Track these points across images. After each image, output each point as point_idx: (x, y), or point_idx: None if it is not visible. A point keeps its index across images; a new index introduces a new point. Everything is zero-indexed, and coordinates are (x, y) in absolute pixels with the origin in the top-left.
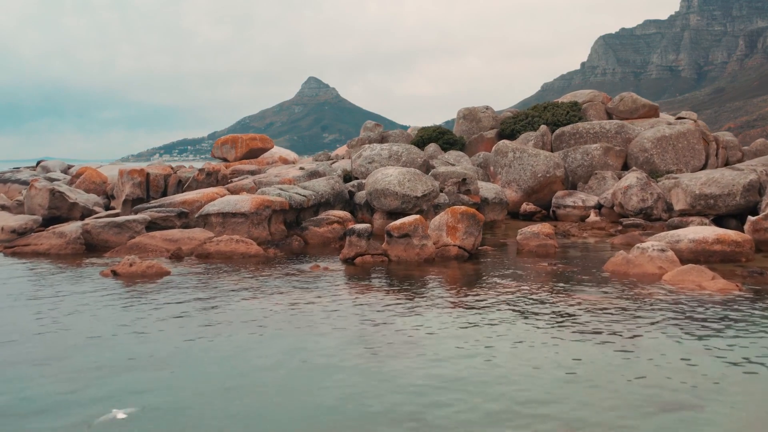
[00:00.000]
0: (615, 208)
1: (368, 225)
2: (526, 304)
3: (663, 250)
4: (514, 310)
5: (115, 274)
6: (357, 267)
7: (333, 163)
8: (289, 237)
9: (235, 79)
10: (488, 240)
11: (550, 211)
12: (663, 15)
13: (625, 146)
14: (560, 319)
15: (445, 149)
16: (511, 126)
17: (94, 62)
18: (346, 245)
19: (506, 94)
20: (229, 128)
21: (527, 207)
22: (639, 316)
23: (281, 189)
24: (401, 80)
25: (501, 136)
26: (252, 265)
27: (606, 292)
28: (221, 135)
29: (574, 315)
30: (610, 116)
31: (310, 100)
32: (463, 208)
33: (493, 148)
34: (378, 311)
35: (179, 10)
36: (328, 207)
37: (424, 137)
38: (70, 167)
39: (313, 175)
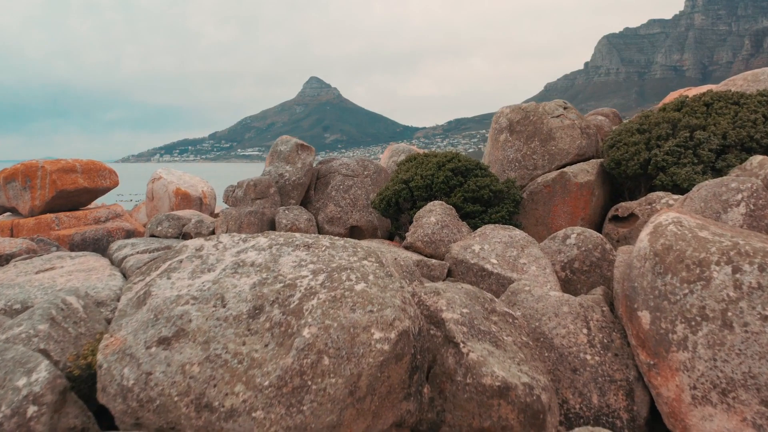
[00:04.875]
0: None
1: None
2: None
3: None
4: None
5: None
6: None
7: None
8: None
9: (240, 79)
10: None
11: None
12: (667, 14)
13: None
14: None
15: (470, 216)
16: (641, 153)
17: (98, 63)
18: None
19: (509, 94)
20: (230, 128)
21: None
22: None
23: None
24: (406, 81)
25: (609, 177)
26: None
27: None
28: (222, 135)
29: None
30: None
31: (312, 100)
32: None
33: (645, 238)
34: None
35: (184, 11)
36: None
37: (419, 184)
38: None
39: None
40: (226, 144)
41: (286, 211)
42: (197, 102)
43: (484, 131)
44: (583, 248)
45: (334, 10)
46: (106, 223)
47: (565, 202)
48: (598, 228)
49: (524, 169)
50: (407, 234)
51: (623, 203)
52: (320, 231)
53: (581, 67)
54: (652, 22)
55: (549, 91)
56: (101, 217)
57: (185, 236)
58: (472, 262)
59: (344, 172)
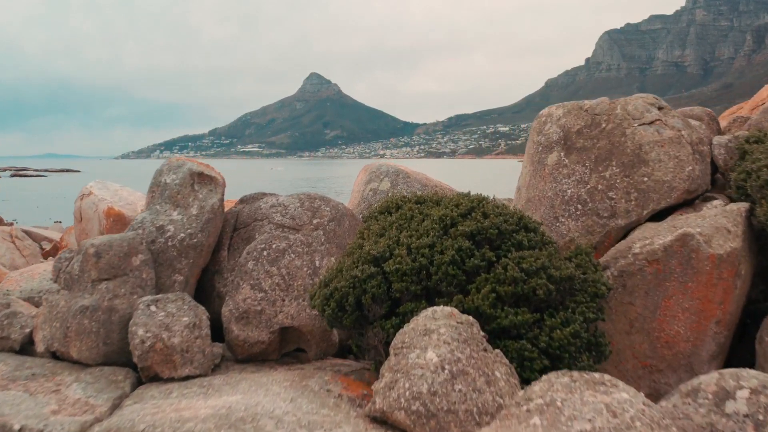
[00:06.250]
0: None
1: None
2: None
3: None
4: None
5: None
6: None
7: None
8: None
9: (240, 76)
10: None
11: None
12: (668, 10)
13: None
14: None
15: (509, 334)
16: None
17: (99, 60)
18: None
19: (509, 91)
20: (230, 125)
21: None
22: None
23: None
24: (406, 77)
25: (756, 238)
26: None
27: None
28: (222, 131)
29: None
30: None
31: (312, 96)
32: None
33: None
34: None
35: (185, 9)
36: None
37: (402, 267)
38: None
39: None
40: (226, 140)
41: (152, 307)
42: (197, 98)
43: (484, 127)
44: None
45: (335, 7)
46: None
47: (687, 292)
48: (741, 337)
49: (593, 215)
50: (377, 388)
51: None
52: (225, 338)
53: (582, 63)
54: (653, 18)
55: (550, 87)
56: None
57: None
58: None
59: (278, 219)
